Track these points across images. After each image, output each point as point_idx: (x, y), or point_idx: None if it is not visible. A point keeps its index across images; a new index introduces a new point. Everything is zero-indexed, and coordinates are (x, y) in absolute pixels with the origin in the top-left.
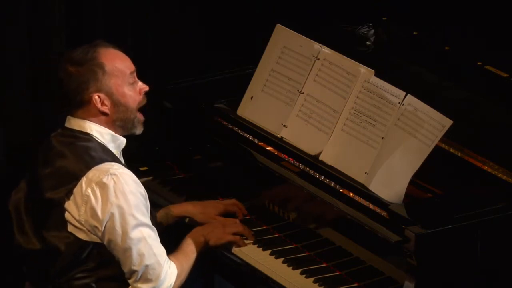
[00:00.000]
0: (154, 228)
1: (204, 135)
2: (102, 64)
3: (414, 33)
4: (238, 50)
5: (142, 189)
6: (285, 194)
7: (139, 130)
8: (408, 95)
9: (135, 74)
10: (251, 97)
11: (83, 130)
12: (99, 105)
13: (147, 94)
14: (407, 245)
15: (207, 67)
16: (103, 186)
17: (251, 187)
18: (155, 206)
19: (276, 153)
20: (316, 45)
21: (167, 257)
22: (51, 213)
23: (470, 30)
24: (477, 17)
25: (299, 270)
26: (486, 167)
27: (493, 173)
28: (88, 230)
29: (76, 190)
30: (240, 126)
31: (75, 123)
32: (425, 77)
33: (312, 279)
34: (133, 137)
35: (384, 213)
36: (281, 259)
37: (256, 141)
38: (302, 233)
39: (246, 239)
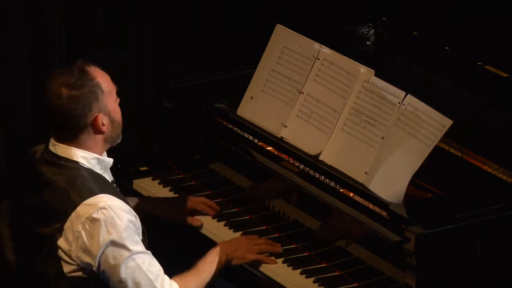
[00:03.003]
0: (148, 252)
1: (204, 135)
2: (99, 83)
3: (414, 33)
4: (238, 50)
5: (132, 216)
6: (285, 194)
7: (119, 140)
8: (408, 95)
9: None
10: (251, 97)
11: (69, 157)
12: (100, 125)
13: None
14: (407, 245)
15: (207, 67)
16: (93, 222)
17: (251, 187)
18: None
19: (276, 153)
20: (316, 45)
21: (166, 277)
22: (42, 246)
23: (470, 30)
24: (477, 17)
25: (299, 270)
26: (486, 167)
27: (493, 173)
28: (79, 265)
29: (66, 226)
30: (240, 126)
31: (60, 150)
32: (425, 77)
33: (312, 279)
34: (133, 136)
35: (384, 213)
36: (281, 259)
37: (256, 141)
38: (302, 233)
39: (272, 256)
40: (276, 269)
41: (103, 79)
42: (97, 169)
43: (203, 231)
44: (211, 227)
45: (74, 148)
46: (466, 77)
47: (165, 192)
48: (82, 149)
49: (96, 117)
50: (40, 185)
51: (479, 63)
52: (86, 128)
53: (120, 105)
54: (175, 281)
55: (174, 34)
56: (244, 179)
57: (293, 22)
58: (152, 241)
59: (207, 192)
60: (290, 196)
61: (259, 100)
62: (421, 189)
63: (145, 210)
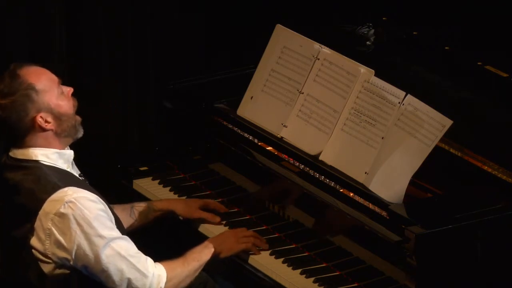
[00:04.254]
0: (125, 237)
1: (204, 135)
2: (32, 84)
3: (414, 33)
4: (238, 50)
5: (101, 204)
6: (285, 194)
7: (81, 133)
8: (408, 95)
9: (60, 83)
10: (251, 97)
11: (29, 158)
12: (43, 124)
13: (73, 94)
14: (407, 245)
15: (207, 67)
16: (62, 217)
17: (251, 187)
18: None
19: (276, 153)
20: (316, 45)
21: (149, 259)
22: (18, 250)
23: (470, 30)
24: (477, 17)
25: (299, 270)
26: (486, 167)
27: (493, 173)
28: (56, 262)
29: (36, 225)
30: (240, 126)
31: (18, 153)
32: (425, 77)
33: (312, 279)
34: (133, 136)
35: (384, 213)
36: (281, 259)
37: (256, 141)
38: (302, 233)
39: (259, 247)
40: (276, 269)
41: (37, 78)
42: (60, 164)
43: (203, 231)
44: (211, 226)
45: (31, 148)
46: (466, 77)
47: (165, 192)
48: (39, 147)
49: (35, 117)
50: (7, 190)
51: (479, 63)
52: (29, 130)
53: (74, 94)
54: (161, 265)
55: (174, 34)
56: (244, 179)
57: (293, 22)
58: (150, 241)
59: (207, 192)
60: (290, 196)
61: (259, 100)
62: (421, 189)
63: (164, 208)
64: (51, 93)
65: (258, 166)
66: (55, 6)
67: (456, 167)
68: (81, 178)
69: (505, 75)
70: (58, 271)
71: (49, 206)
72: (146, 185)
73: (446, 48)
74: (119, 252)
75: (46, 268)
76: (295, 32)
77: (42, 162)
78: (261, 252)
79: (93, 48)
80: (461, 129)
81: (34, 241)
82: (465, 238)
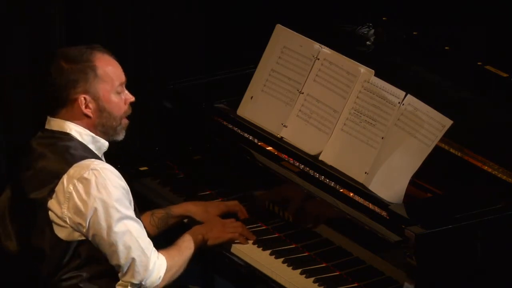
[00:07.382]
0: (139, 221)
1: (204, 135)
2: (95, 67)
3: (414, 33)
4: (238, 50)
5: (124, 183)
6: (285, 194)
7: (120, 137)
8: (408, 95)
9: (124, 86)
10: (251, 97)
11: (62, 130)
12: (83, 106)
13: (132, 104)
14: (407, 245)
15: (207, 67)
16: (84, 182)
17: (251, 187)
18: (154, 206)
19: (276, 153)
20: (316, 45)
21: (154, 249)
22: (35, 214)
23: (470, 30)
24: (477, 17)
25: (299, 270)
26: (486, 167)
27: (493, 173)
28: (72, 227)
29: (58, 188)
30: (240, 126)
31: (54, 124)
32: (425, 77)
33: (312, 279)
34: (133, 137)
35: (384, 213)
36: (281, 259)
37: (256, 141)
38: (302, 233)
39: (246, 238)
40: (276, 269)
41: (104, 66)
42: (91, 148)
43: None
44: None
45: (68, 121)
46: (466, 77)
47: (165, 192)
48: (75, 123)
49: (78, 96)
50: (33, 158)
51: (479, 63)
52: (68, 103)
53: (134, 105)
54: (162, 254)
55: (174, 34)
56: (244, 179)
57: (293, 22)
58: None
59: (207, 192)
60: (290, 196)
61: (259, 100)
62: (421, 189)
63: (183, 214)
64: (107, 85)
65: (258, 166)
66: (55, 6)
67: (456, 167)
68: None
69: (505, 75)
70: (71, 237)
71: (74, 170)
72: (146, 185)
73: (446, 48)
74: (131, 231)
75: (60, 233)
76: (295, 32)
77: (75, 137)
78: (261, 252)
79: None
80: (461, 129)
81: (52, 203)
82: (465, 238)
